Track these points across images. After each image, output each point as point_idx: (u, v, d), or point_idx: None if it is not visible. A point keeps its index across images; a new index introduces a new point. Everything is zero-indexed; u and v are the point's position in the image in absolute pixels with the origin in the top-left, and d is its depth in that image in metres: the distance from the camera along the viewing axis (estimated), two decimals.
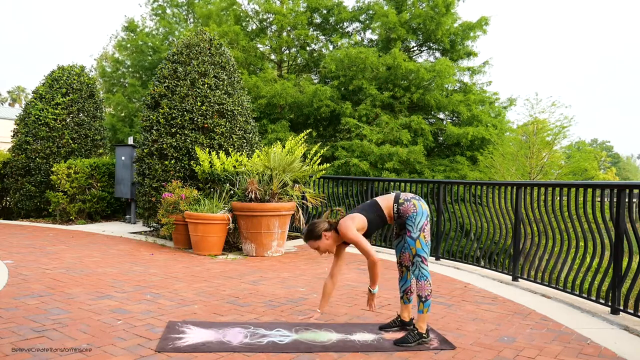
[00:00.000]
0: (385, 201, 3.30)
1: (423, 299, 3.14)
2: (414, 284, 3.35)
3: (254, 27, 17.49)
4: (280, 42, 16.75)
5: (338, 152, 14.26)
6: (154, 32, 18.86)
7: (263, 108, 15.36)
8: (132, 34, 18.79)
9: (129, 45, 18.20)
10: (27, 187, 9.21)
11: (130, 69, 18.83)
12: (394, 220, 3.29)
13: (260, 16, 17.26)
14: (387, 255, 6.47)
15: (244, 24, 17.28)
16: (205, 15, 16.91)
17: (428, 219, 3.22)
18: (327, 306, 3.65)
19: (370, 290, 3.37)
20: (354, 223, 3.21)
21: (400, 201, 3.23)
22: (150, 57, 17.73)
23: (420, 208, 3.19)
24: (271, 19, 16.83)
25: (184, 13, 19.65)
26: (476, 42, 16.62)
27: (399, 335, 3.26)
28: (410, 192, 8.15)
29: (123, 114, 18.27)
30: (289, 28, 16.69)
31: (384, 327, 3.42)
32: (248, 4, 17.19)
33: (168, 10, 19.42)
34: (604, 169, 55.55)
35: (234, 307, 3.87)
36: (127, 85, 18.63)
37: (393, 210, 3.25)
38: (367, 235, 3.29)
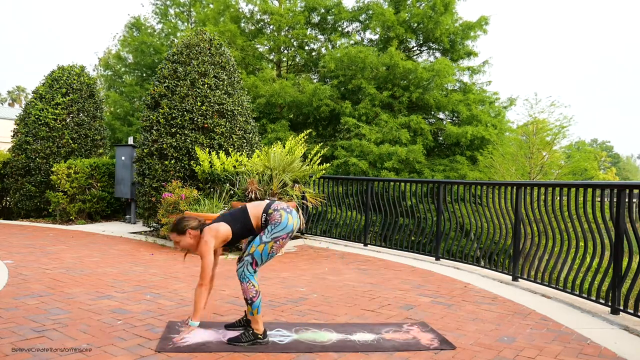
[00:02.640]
0: (255, 209, 3.16)
1: (249, 302, 3.04)
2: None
3: (252, 28, 17.49)
4: (278, 42, 16.76)
5: (337, 151, 14.26)
6: (156, 32, 18.88)
7: (262, 108, 15.36)
8: (136, 32, 18.80)
9: (132, 43, 18.20)
10: (27, 187, 9.20)
11: (131, 67, 18.84)
12: (261, 228, 3.16)
13: (258, 17, 17.27)
14: (387, 255, 6.48)
15: (242, 24, 17.29)
16: (202, 19, 16.94)
17: (289, 236, 3.10)
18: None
19: (188, 320, 3.20)
20: (217, 235, 3.09)
21: (270, 211, 3.11)
22: (150, 57, 17.75)
23: (286, 220, 3.07)
24: (268, 20, 16.84)
25: (185, 13, 19.66)
26: (476, 42, 16.62)
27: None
28: (410, 192, 8.16)
29: (119, 111, 18.26)
30: (286, 28, 16.70)
31: (229, 326, 3.31)
32: (246, 5, 17.23)
33: (171, 10, 19.44)
34: (604, 169, 55.55)
35: (234, 307, 3.87)
36: (126, 84, 18.64)
37: (261, 219, 3.13)
38: (229, 244, 3.21)
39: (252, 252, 3.08)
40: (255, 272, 3.10)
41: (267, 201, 3.22)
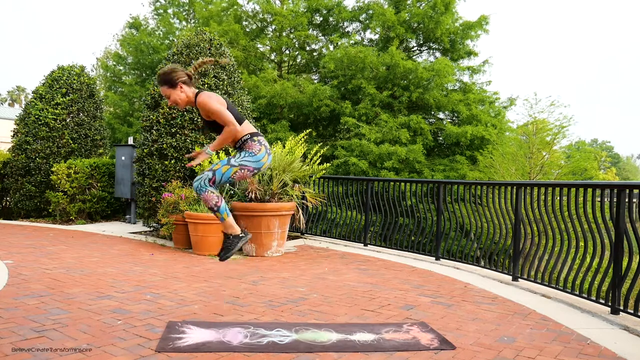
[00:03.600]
0: (245, 125, 3.17)
1: (215, 209, 3.04)
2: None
3: (254, 27, 17.50)
4: (280, 43, 16.76)
5: (337, 151, 14.26)
6: (155, 32, 18.88)
7: (263, 108, 15.36)
8: (135, 31, 18.81)
9: (132, 42, 18.20)
10: (27, 187, 9.20)
11: (130, 67, 18.85)
12: (235, 142, 3.15)
13: (260, 16, 17.27)
14: (387, 255, 6.48)
15: (244, 23, 17.29)
16: (206, 16, 16.93)
17: (253, 173, 3.12)
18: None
19: (205, 151, 3.15)
20: (212, 94, 3.09)
21: (255, 138, 3.11)
22: (149, 57, 17.75)
23: (261, 156, 3.08)
24: (271, 20, 16.84)
25: (184, 13, 19.66)
26: (476, 42, 16.61)
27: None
28: (410, 192, 8.16)
29: (118, 111, 18.26)
30: (289, 29, 16.70)
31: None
32: (247, 3, 17.21)
33: (170, 10, 19.44)
34: (604, 169, 55.54)
35: (233, 307, 3.87)
36: (126, 84, 18.65)
37: (242, 137, 3.12)
38: (210, 124, 3.21)
39: (214, 169, 3.06)
40: (212, 186, 3.06)
41: (258, 131, 3.20)
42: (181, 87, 3.09)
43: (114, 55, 19.80)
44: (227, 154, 7.16)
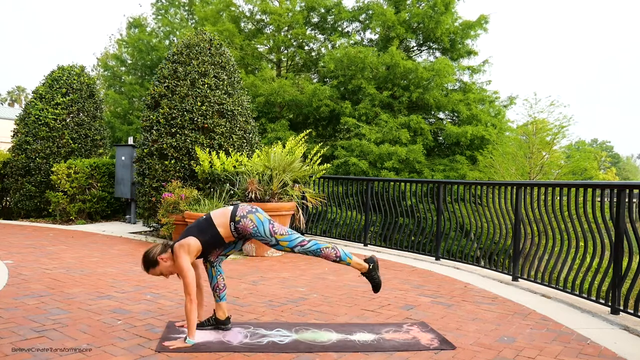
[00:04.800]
0: (220, 219, 3.10)
1: (338, 260, 3.10)
2: (221, 281, 3.31)
3: (251, 27, 17.49)
4: (277, 42, 16.75)
5: (337, 151, 14.26)
6: (155, 32, 18.88)
7: (261, 107, 15.36)
8: (135, 30, 18.81)
9: (131, 42, 18.20)
10: (27, 187, 9.20)
11: (130, 66, 18.85)
12: (234, 238, 3.13)
13: (258, 17, 17.26)
14: (386, 255, 6.48)
15: (241, 24, 17.28)
16: (203, 17, 16.94)
17: (271, 221, 3.12)
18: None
19: (185, 339, 3.01)
20: (190, 250, 3.02)
21: (237, 219, 3.07)
22: (149, 56, 17.75)
23: (258, 220, 3.07)
24: (267, 19, 16.84)
25: (185, 13, 19.67)
26: (476, 41, 16.61)
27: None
28: (410, 192, 8.16)
29: (119, 110, 18.26)
30: (286, 28, 16.69)
31: (199, 326, 3.26)
32: (245, 4, 17.20)
33: (171, 10, 19.45)
34: (604, 169, 55.54)
35: (234, 307, 3.87)
36: (126, 83, 18.65)
37: (230, 229, 3.08)
38: (202, 256, 3.17)
39: (290, 250, 3.11)
40: (311, 243, 3.11)
41: (230, 207, 3.16)
42: (162, 259, 3.08)
43: (113, 55, 19.80)
44: (227, 153, 7.16)
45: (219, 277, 3.33)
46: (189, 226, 3.19)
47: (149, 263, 3.09)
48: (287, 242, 3.08)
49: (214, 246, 3.15)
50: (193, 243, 3.05)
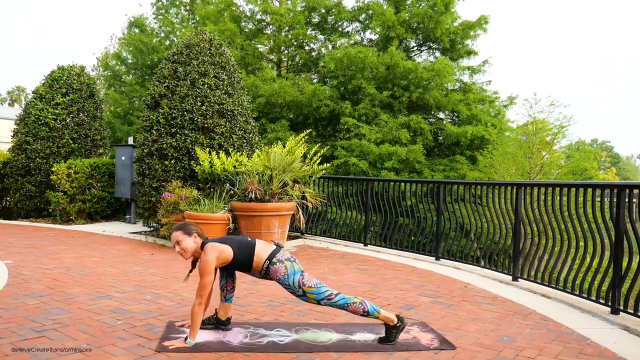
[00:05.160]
0: (262, 251, 3.11)
1: (366, 314, 3.10)
2: (230, 282, 3.29)
3: (252, 27, 17.49)
4: (278, 42, 16.76)
5: (337, 151, 14.26)
6: (155, 32, 18.89)
7: (262, 107, 15.36)
8: (138, 30, 18.82)
9: (132, 42, 18.20)
10: (27, 187, 9.20)
11: (131, 66, 18.85)
12: (259, 273, 3.13)
13: (258, 17, 17.27)
14: (386, 255, 6.48)
15: (242, 24, 17.28)
16: (204, 16, 16.95)
17: (303, 273, 3.10)
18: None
19: (185, 339, 2.99)
20: (220, 255, 3.02)
21: (274, 260, 3.07)
22: (149, 56, 17.76)
23: (292, 269, 3.07)
24: (268, 20, 16.84)
25: (185, 13, 19.67)
26: (476, 41, 16.62)
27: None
28: (410, 192, 8.16)
29: (119, 110, 18.26)
30: (286, 28, 16.70)
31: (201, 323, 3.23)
32: (246, 4, 17.20)
33: (171, 10, 19.45)
34: (604, 169, 55.55)
35: (234, 307, 3.87)
36: (126, 83, 18.65)
37: (263, 265, 3.08)
38: (225, 269, 3.16)
39: (317, 303, 3.09)
40: (338, 297, 3.09)
41: (274, 247, 3.17)
42: (195, 237, 3.10)
43: (113, 56, 19.80)
44: (227, 153, 7.15)
45: (229, 278, 3.33)
46: (233, 236, 3.20)
47: (185, 228, 3.10)
48: (314, 294, 3.08)
49: (239, 267, 3.13)
50: (227, 251, 3.05)
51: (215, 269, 3.07)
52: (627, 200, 3.92)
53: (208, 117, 7.18)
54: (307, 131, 7.46)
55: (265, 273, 3.10)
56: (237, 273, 3.35)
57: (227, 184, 6.71)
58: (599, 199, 4.32)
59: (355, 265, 5.76)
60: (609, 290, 4.05)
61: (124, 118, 17.99)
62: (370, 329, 3.40)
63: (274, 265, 3.07)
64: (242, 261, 3.09)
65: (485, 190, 5.89)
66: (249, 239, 3.18)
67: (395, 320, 3.13)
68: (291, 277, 3.06)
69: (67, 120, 9.48)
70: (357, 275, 5.24)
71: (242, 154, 7.22)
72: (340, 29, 17.54)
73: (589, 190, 4.34)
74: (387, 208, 7.09)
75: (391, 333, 3.12)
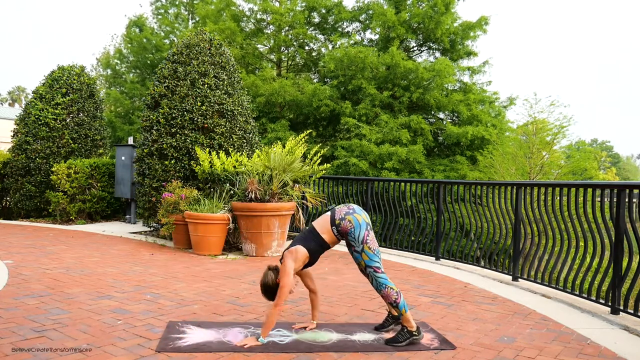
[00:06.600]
0: (323, 226, 3.24)
1: (394, 305, 3.13)
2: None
3: (252, 27, 17.50)
4: (278, 42, 16.76)
5: (337, 151, 14.26)
6: (155, 32, 18.90)
7: (262, 107, 15.36)
8: (138, 30, 18.82)
9: (135, 39, 18.20)
10: (27, 187, 9.20)
11: (131, 65, 18.86)
12: (339, 240, 3.23)
13: (258, 16, 17.27)
14: (386, 256, 6.48)
15: (242, 23, 17.28)
16: (204, 16, 16.96)
17: (369, 229, 3.19)
18: (319, 312, 3.55)
19: (257, 337, 3.08)
20: (297, 257, 3.14)
21: (337, 222, 3.19)
22: (152, 55, 17.76)
23: (356, 222, 3.15)
24: (269, 19, 16.84)
25: (185, 13, 19.67)
26: (476, 42, 16.63)
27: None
28: (410, 192, 8.16)
29: (119, 109, 18.26)
30: (286, 27, 16.70)
31: (379, 327, 3.40)
32: (246, 4, 17.21)
33: (171, 10, 19.45)
34: (604, 169, 55.54)
35: (234, 307, 3.87)
36: (127, 82, 18.65)
37: (334, 232, 3.20)
38: (310, 263, 3.27)
39: (364, 266, 3.20)
40: (384, 274, 3.20)
41: (328, 213, 3.28)
42: (279, 280, 3.15)
43: (115, 53, 19.79)
44: (227, 153, 7.15)
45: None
46: (295, 238, 3.31)
47: (273, 290, 3.18)
48: (368, 257, 3.17)
49: (319, 253, 3.27)
50: (300, 250, 3.18)
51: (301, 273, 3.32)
52: (627, 200, 3.92)
53: (208, 117, 7.18)
54: (307, 131, 7.45)
55: (341, 236, 3.23)
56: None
57: (227, 184, 6.71)
58: (599, 199, 4.32)
59: (355, 265, 5.74)
60: (609, 290, 4.05)
61: (125, 117, 17.99)
62: (370, 329, 3.40)
63: (340, 226, 3.19)
64: (317, 246, 3.23)
65: (485, 190, 5.89)
66: (307, 228, 3.33)
67: (414, 328, 3.14)
68: (357, 230, 3.16)
69: (67, 120, 9.48)
70: (357, 275, 5.23)
71: (242, 154, 7.22)
72: (340, 29, 17.54)
73: (589, 190, 4.34)
74: (387, 208, 7.08)
75: (403, 336, 3.12)
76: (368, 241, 3.16)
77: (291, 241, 3.29)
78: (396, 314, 3.31)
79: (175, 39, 17.95)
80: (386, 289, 3.14)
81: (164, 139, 7.12)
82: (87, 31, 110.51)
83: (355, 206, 3.28)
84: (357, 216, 3.19)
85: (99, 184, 9.15)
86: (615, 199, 3.98)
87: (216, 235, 6.18)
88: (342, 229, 3.17)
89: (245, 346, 2.99)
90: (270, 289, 3.18)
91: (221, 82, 7.44)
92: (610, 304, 3.99)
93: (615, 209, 3.97)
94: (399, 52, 14.78)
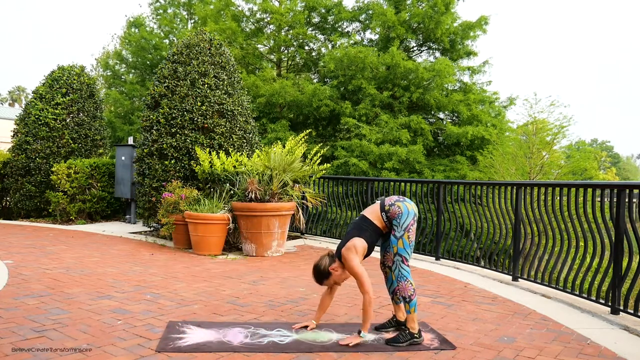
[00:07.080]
0: (373, 213, 3.29)
1: (407, 300, 3.14)
2: None
3: (252, 27, 17.50)
4: (278, 42, 16.76)
5: (337, 151, 14.26)
6: (155, 32, 18.89)
7: (262, 107, 15.36)
8: (137, 30, 18.82)
9: (133, 39, 18.20)
10: (27, 187, 9.20)
11: (131, 65, 18.85)
12: (388, 225, 3.29)
13: (258, 16, 17.27)
14: None
15: (242, 23, 17.29)
16: (204, 16, 16.96)
17: (415, 219, 3.22)
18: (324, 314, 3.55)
19: (359, 333, 3.11)
20: (357, 251, 3.17)
21: (386, 208, 3.24)
22: (150, 55, 17.74)
23: (405, 209, 3.20)
24: (268, 19, 16.84)
25: (184, 13, 19.66)
26: (476, 42, 16.63)
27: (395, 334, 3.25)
28: (410, 192, 8.15)
29: (119, 110, 18.26)
30: (286, 27, 16.70)
31: (380, 328, 3.42)
32: (246, 4, 17.21)
33: (169, 10, 19.44)
34: (604, 169, 55.53)
35: (234, 307, 3.87)
36: (127, 82, 18.65)
37: (383, 218, 3.25)
38: (367, 254, 3.29)
39: (396, 252, 3.19)
40: (409, 269, 3.20)
41: (378, 201, 3.33)
42: (333, 269, 3.24)
43: (114, 54, 19.78)
44: (227, 153, 7.16)
45: (386, 276, 3.47)
46: (347, 232, 3.33)
47: (323, 275, 3.24)
48: (403, 245, 3.18)
49: (375, 241, 3.29)
50: (359, 243, 3.19)
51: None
52: (627, 200, 3.92)
53: (208, 117, 7.18)
54: (307, 131, 7.45)
55: (389, 221, 3.25)
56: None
57: (227, 184, 6.71)
58: (599, 199, 4.32)
59: None
60: (609, 290, 4.05)
61: (124, 118, 17.99)
62: (370, 329, 3.40)
63: (389, 212, 3.22)
64: (373, 234, 3.25)
65: (485, 190, 5.89)
66: (357, 218, 3.36)
67: (417, 330, 3.14)
68: (404, 216, 3.19)
69: (67, 120, 9.48)
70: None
71: (242, 154, 7.22)
72: (340, 29, 17.54)
73: (589, 190, 4.34)
74: None
75: (404, 337, 3.12)
76: (410, 230, 3.18)
77: (344, 235, 3.32)
78: (401, 318, 3.34)
79: (174, 39, 17.94)
80: (405, 282, 3.15)
81: (164, 139, 7.12)
82: (87, 31, 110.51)
83: (405, 198, 3.34)
84: (407, 204, 3.24)
85: (99, 184, 9.15)
86: (615, 199, 3.98)
87: (216, 235, 6.18)
88: (391, 214, 3.21)
89: (351, 344, 3.03)
90: (320, 273, 3.25)
91: (221, 82, 7.44)
92: (610, 304, 3.99)
93: (615, 209, 3.97)
94: (399, 52, 14.78)
